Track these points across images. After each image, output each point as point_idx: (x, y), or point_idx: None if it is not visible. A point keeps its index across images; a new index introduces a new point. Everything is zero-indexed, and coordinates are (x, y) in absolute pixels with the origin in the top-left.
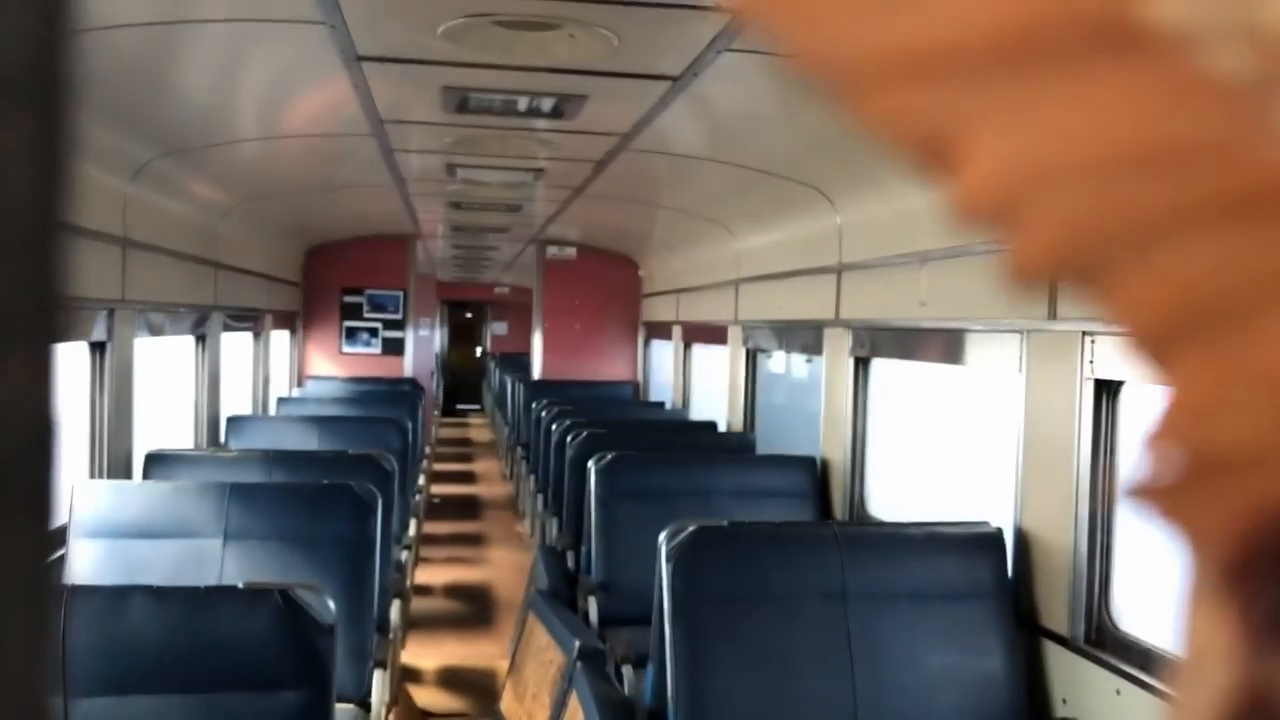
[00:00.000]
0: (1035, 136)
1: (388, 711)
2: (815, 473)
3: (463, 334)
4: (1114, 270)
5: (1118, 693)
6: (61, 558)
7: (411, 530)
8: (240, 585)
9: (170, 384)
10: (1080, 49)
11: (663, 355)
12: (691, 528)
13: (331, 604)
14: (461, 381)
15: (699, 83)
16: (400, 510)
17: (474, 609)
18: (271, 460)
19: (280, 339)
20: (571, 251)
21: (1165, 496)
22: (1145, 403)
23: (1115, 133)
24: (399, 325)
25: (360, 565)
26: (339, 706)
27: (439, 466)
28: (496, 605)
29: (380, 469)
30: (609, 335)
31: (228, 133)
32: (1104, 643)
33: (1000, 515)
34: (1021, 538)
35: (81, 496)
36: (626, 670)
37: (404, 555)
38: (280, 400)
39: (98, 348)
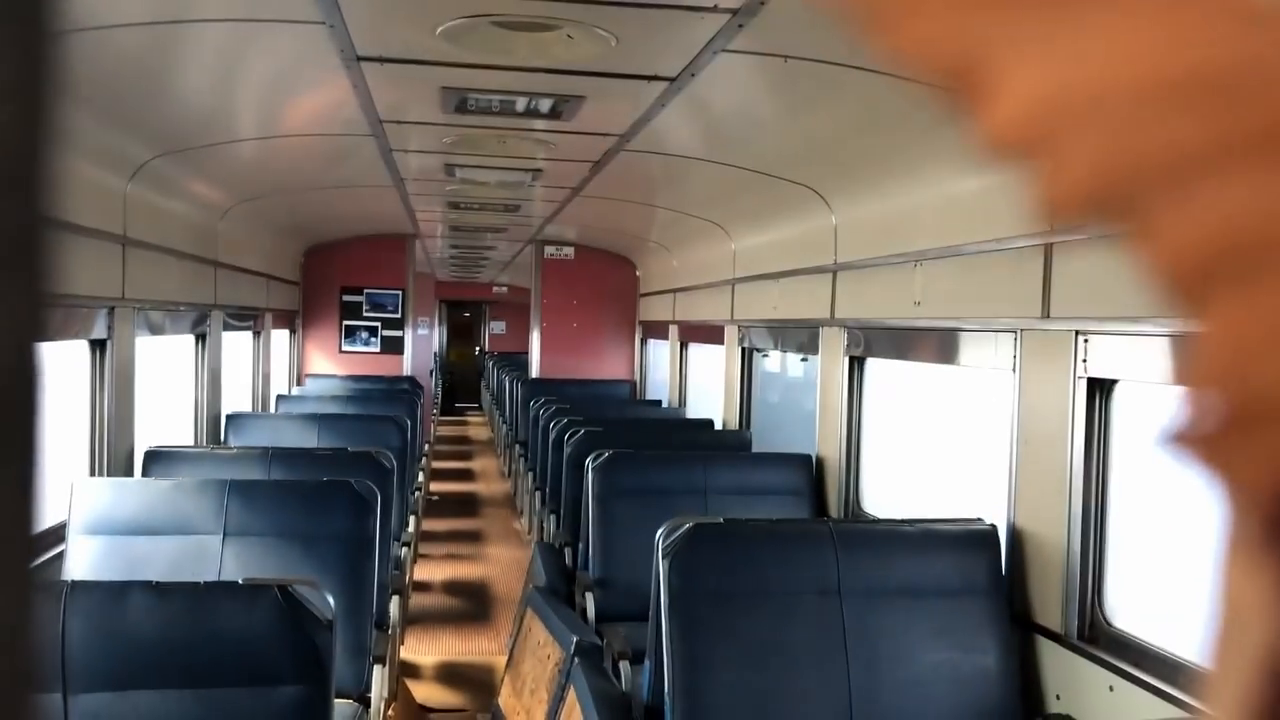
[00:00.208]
0: (1070, 66)
1: (386, 707)
2: (810, 470)
3: (461, 333)
4: (1150, 206)
5: (1111, 689)
6: (61, 553)
7: (410, 527)
8: (240, 581)
9: (171, 382)
10: None
11: (659, 354)
12: (688, 525)
13: (331, 599)
14: (460, 380)
15: (696, 84)
16: (399, 507)
17: (472, 605)
18: (271, 457)
19: (280, 338)
20: (569, 251)
21: (1204, 444)
22: (1137, 402)
23: (1153, 62)
24: (398, 324)
25: (359, 562)
26: (338, 702)
27: (438, 464)
28: (494, 602)
29: (379, 466)
30: (606, 334)
31: (227, 132)
32: (1097, 639)
33: (994, 512)
34: (1015, 535)
35: (81, 493)
36: (624, 666)
37: (403, 552)
38: (280, 398)
39: (98, 346)
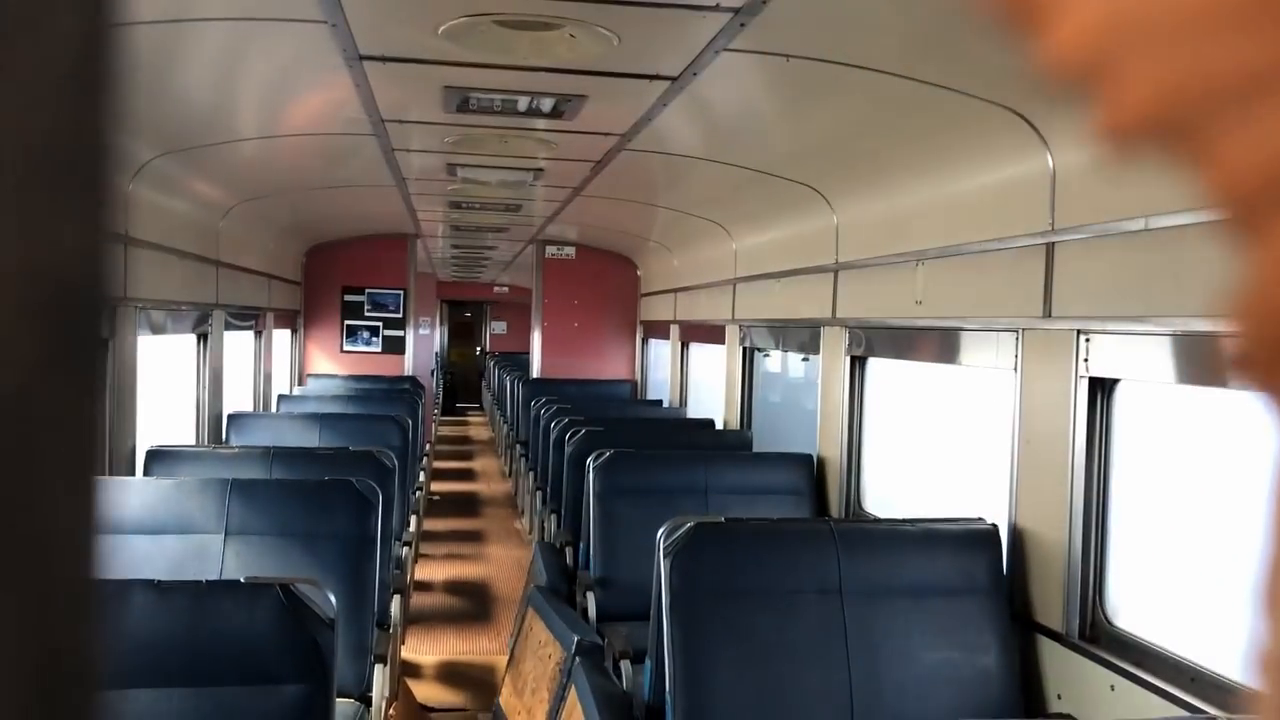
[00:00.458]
0: None
1: (388, 706)
2: (811, 470)
3: (462, 333)
4: (1208, 131)
5: (1112, 688)
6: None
7: (411, 526)
8: (241, 580)
9: (172, 382)
10: None
11: (660, 354)
12: (689, 524)
13: (332, 598)
14: (461, 380)
15: (698, 83)
16: (400, 507)
17: (473, 605)
18: (272, 457)
19: (281, 337)
20: (570, 251)
21: (1264, 369)
22: (1139, 401)
23: None
24: (399, 324)
25: (360, 561)
26: (339, 701)
27: (439, 464)
28: (495, 601)
29: (381, 466)
30: (607, 334)
31: (229, 131)
32: (1098, 639)
33: (995, 512)
34: (1016, 534)
35: None
36: (625, 665)
37: (404, 551)
38: (281, 398)
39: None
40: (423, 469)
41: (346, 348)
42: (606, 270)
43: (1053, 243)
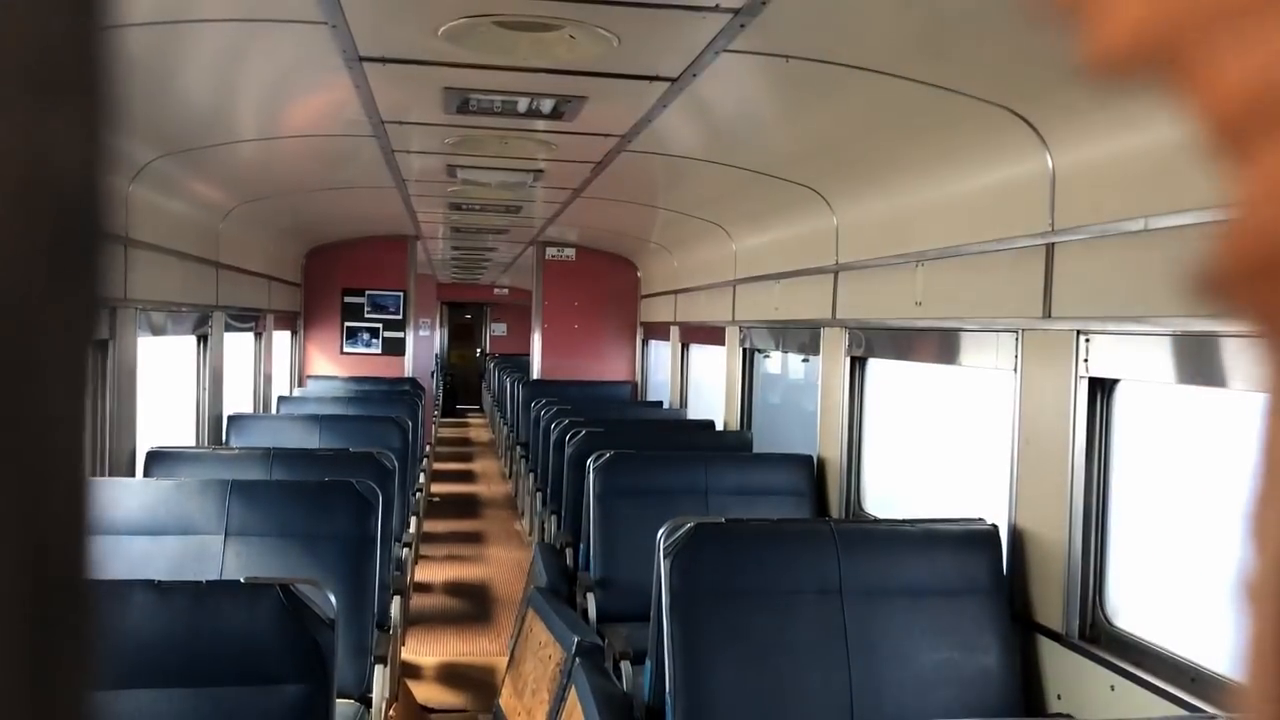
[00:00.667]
0: None
1: (388, 707)
2: (812, 471)
3: (462, 335)
4: (1197, 53)
5: (1112, 688)
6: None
7: (411, 528)
8: (241, 580)
9: (172, 383)
10: None
11: (660, 355)
12: (689, 524)
13: (332, 599)
14: (461, 382)
15: (697, 84)
16: (400, 508)
17: (473, 606)
18: (272, 458)
19: (281, 339)
20: (570, 253)
21: (1246, 288)
22: (1139, 401)
23: None
24: (399, 326)
25: (361, 562)
26: (339, 702)
27: (439, 466)
28: (496, 602)
29: (381, 467)
30: (607, 336)
31: (229, 133)
32: (1098, 639)
33: (995, 512)
34: (1016, 535)
35: None
36: (625, 666)
37: (404, 553)
38: (281, 399)
39: (99, 346)
40: (423, 470)
41: (346, 349)
42: (606, 272)
43: (1052, 243)
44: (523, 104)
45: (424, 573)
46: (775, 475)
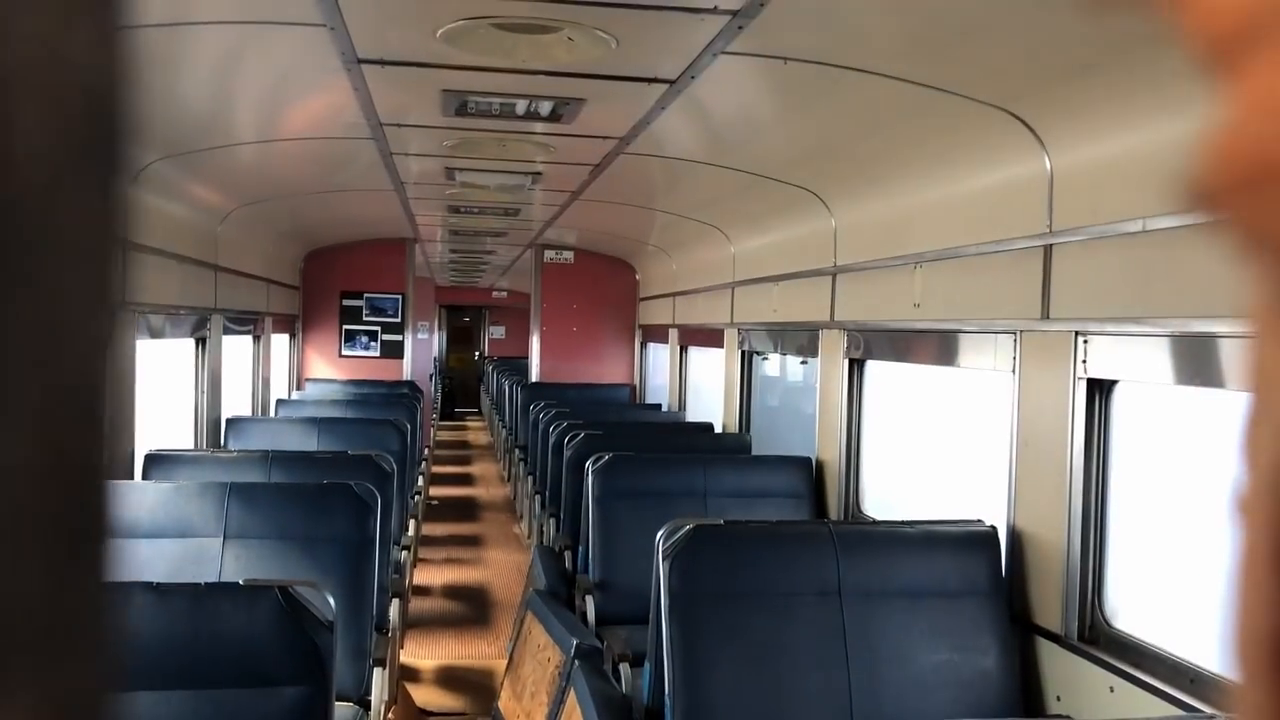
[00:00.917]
0: None
1: (386, 710)
2: (810, 473)
3: (461, 338)
4: None
5: (1111, 690)
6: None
7: (410, 531)
8: (240, 582)
9: (170, 386)
10: None
11: (659, 358)
12: (688, 526)
13: (331, 601)
14: (460, 385)
15: (696, 86)
16: (399, 511)
17: (472, 609)
18: (271, 461)
19: (280, 342)
20: (569, 255)
21: (1232, 200)
22: (1137, 402)
23: None
24: (398, 329)
25: (359, 565)
26: (338, 705)
27: (437, 469)
28: (494, 605)
29: (379, 469)
30: (606, 338)
31: (227, 135)
32: (1097, 640)
33: (994, 514)
34: (1015, 536)
35: None
36: (624, 668)
37: (403, 555)
38: (280, 402)
39: None
40: (421, 473)
41: (345, 352)
42: (605, 274)
43: (1050, 244)
44: (521, 106)
45: (423, 576)
46: (774, 477)
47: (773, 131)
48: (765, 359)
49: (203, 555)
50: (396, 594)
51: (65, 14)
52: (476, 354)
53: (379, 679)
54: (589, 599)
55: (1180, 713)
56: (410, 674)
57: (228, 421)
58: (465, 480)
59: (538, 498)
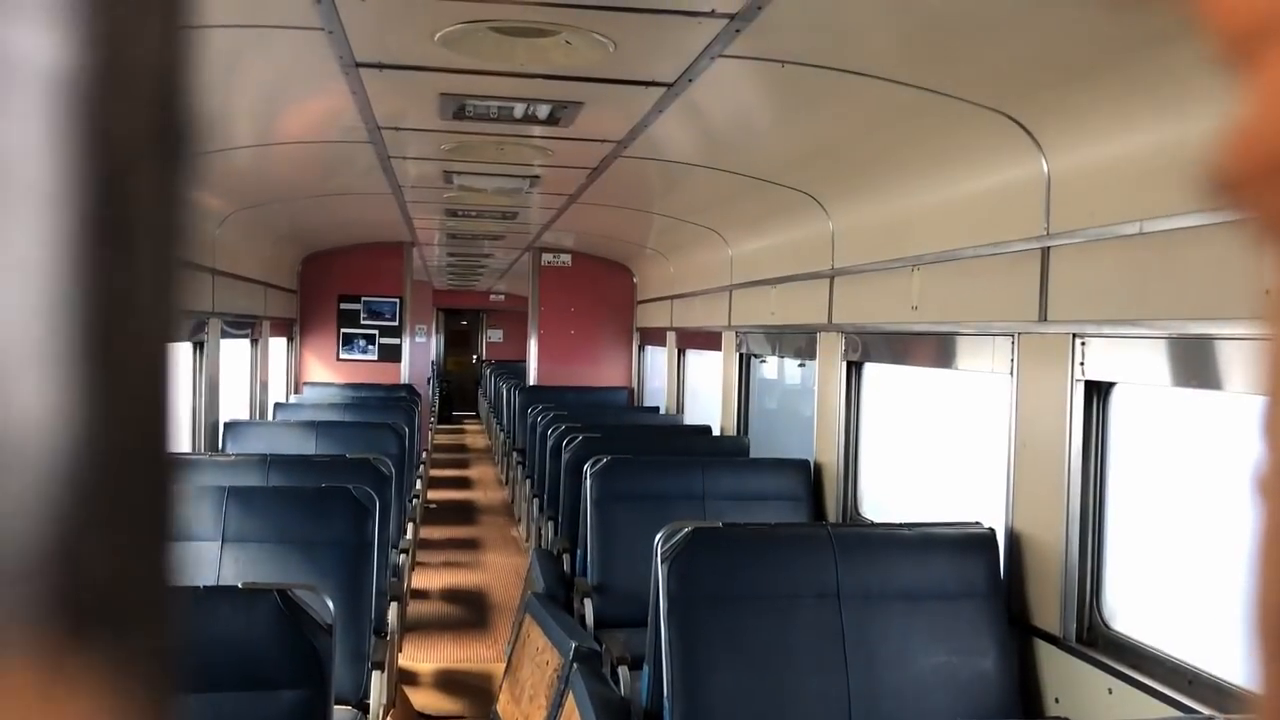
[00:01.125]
0: None
1: (385, 713)
2: (809, 475)
3: (459, 341)
4: None
5: (1110, 691)
6: None
7: (408, 534)
8: (239, 585)
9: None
10: None
11: (657, 361)
12: (687, 529)
13: (330, 604)
14: (458, 388)
15: (693, 89)
16: (397, 514)
17: (470, 612)
18: (269, 464)
19: (277, 345)
20: (566, 258)
21: (1252, 191)
22: (1135, 404)
23: None
24: (395, 332)
25: (357, 568)
26: (337, 708)
27: (435, 472)
28: (493, 608)
29: (377, 473)
30: (604, 341)
31: (225, 139)
32: (1096, 642)
33: (992, 516)
34: (1013, 538)
35: None
36: (622, 671)
37: (401, 559)
38: (277, 406)
39: None
40: (419, 477)
41: (343, 356)
42: (603, 277)
43: (1048, 247)
44: (519, 109)
45: (421, 579)
46: (772, 480)
47: (770, 134)
48: (763, 361)
49: (201, 559)
50: (395, 597)
51: (139, 14)
52: (474, 357)
53: (377, 682)
54: (587, 602)
55: (1178, 714)
56: (409, 677)
57: (225, 425)
58: (463, 483)
59: (536, 501)
